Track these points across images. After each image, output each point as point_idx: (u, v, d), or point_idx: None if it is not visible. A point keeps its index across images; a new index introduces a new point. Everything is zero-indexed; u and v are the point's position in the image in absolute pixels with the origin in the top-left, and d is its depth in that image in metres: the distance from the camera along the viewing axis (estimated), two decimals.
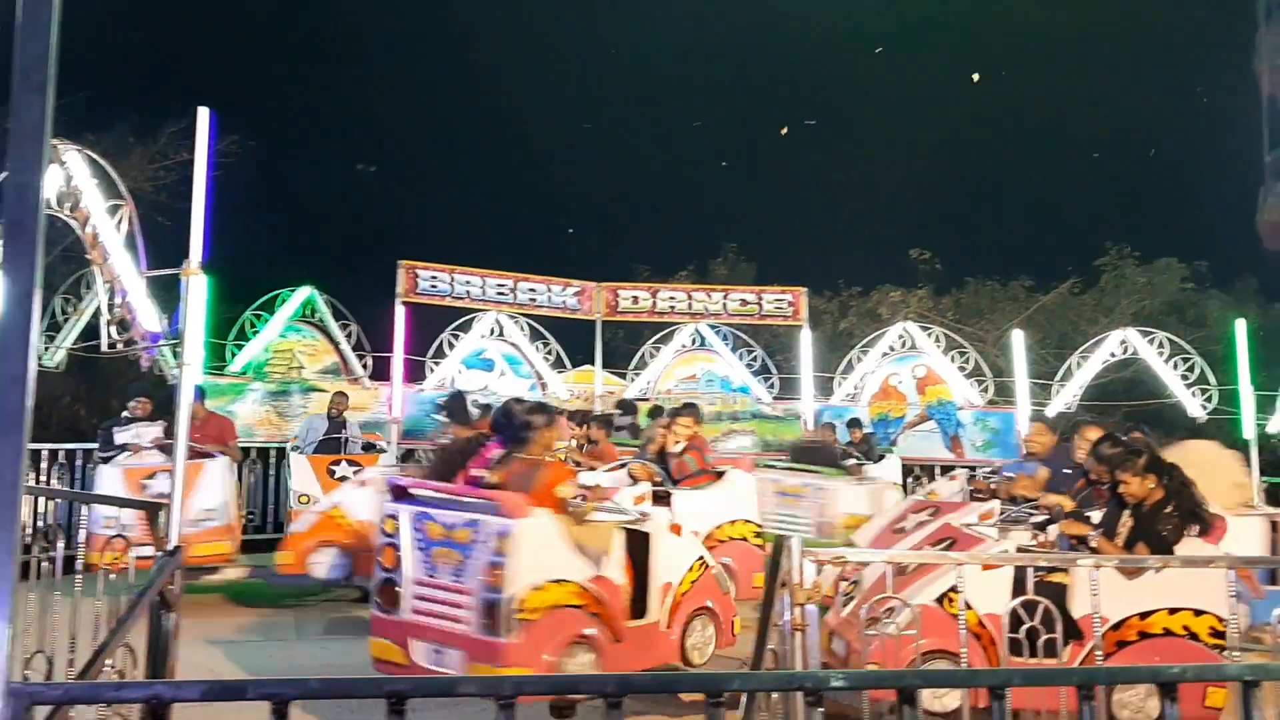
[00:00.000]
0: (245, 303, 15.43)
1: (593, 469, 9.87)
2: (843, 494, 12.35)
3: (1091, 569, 5.28)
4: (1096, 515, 7.12)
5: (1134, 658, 5.96)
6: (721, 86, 38.09)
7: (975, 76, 28.95)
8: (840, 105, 34.35)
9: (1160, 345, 16.86)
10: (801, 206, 31.75)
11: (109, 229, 7.61)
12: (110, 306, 7.47)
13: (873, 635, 5.62)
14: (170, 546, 5.79)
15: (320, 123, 35.09)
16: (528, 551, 6.13)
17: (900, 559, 6.56)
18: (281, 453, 13.84)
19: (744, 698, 4.92)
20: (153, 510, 6.33)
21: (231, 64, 31.96)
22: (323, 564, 9.88)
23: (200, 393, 11.15)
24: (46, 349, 12.07)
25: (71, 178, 8.03)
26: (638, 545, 6.96)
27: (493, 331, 16.38)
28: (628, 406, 14.21)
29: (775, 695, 5.05)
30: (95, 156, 8.01)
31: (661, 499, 9.02)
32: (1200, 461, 9.63)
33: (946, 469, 15.16)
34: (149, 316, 7.21)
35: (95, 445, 11.43)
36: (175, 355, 7.58)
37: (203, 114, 6.72)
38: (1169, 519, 6.47)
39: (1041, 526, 7.28)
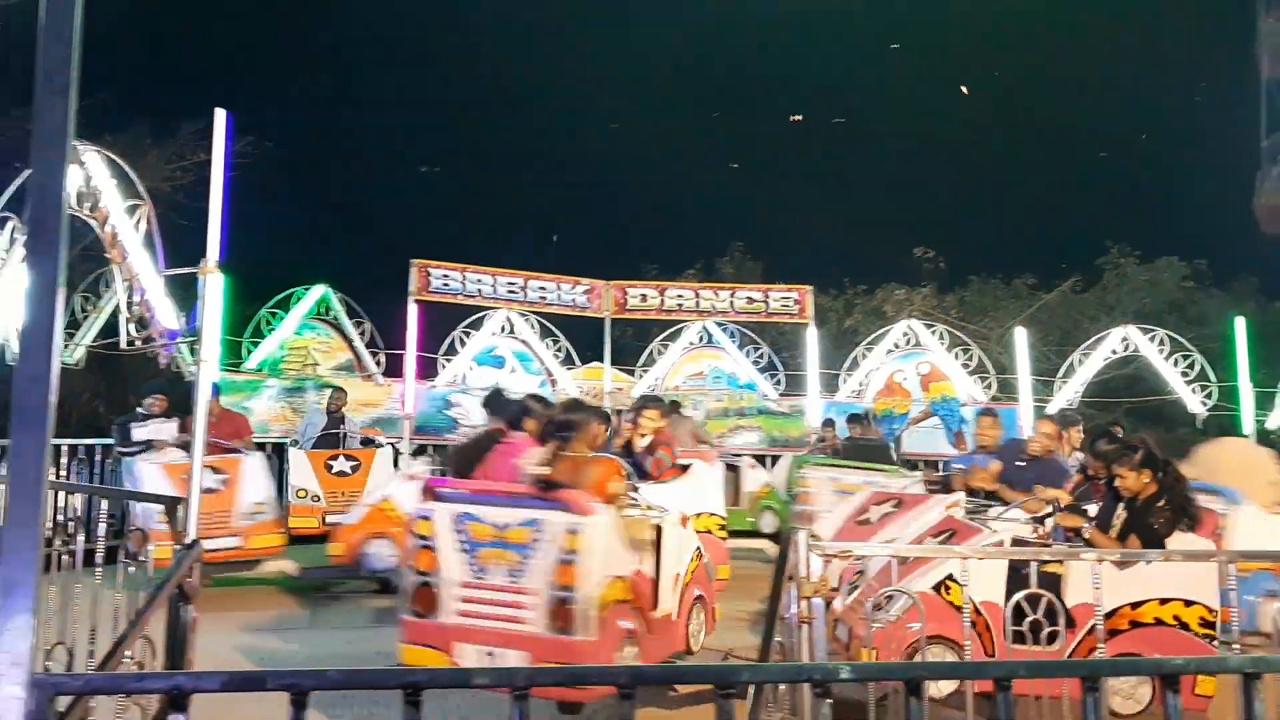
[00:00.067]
0: (261, 301, 15.49)
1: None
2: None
3: (1094, 563, 5.31)
4: (1094, 509, 7.17)
5: (1125, 646, 5.99)
6: (728, 86, 38.11)
7: (964, 89, 28.90)
8: (846, 105, 34.35)
9: (1161, 343, 16.83)
10: (807, 206, 31.66)
11: (128, 228, 7.63)
12: (129, 304, 7.50)
13: (874, 623, 5.69)
14: (188, 540, 5.80)
15: (334, 124, 35.16)
16: (599, 548, 6.04)
17: (906, 554, 6.61)
18: None
19: (751, 689, 4.91)
20: (171, 505, 6.34)
21: (246, 66, 32.00)
22: (373, 555, 9.93)
23: (215, 389, 11.19)
24: (66, 346, 12.10)
25: (91, 178, 8.05)
26: (655, 538, 6.97)
27: (503, 329, 16.40)
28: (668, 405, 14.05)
29: (783, 687, 5.06)
30: (114, 157, 8.03)
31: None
32: (1236, 459, 9.68)
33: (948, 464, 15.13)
34: (167, 314, 7.24)
35: (113, 440, 11.46)
36: (193, 352, 7.60)
37: (220, 115, 6.74)
38: (1161, 513, 6.56)
39: (1040, 520, 7.31)
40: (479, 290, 15.98)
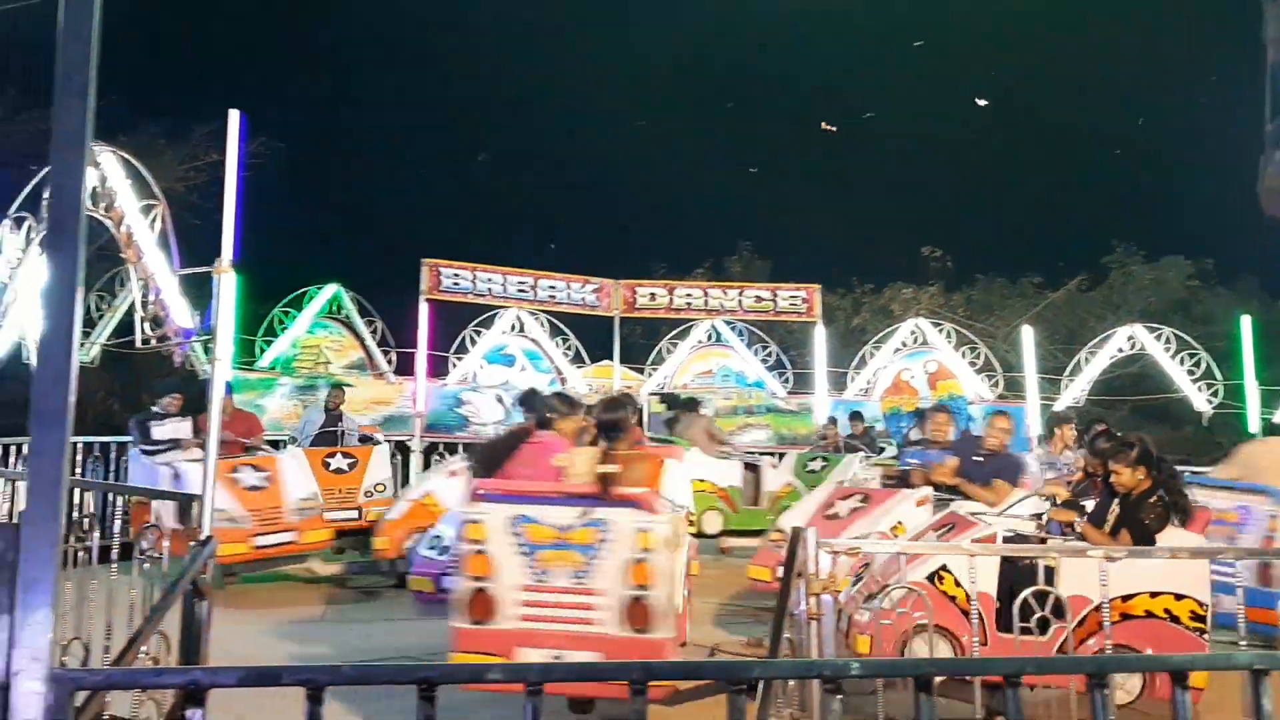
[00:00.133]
0: (274, 300, 15.51)
1: None
2: None
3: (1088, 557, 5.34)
4: (1091, 505, 7.35)
5: (1116, 637, 5.99)
6: (734, 87, 38.07)
7: (981, 101, 28.87)
8: (854, 106, 34.28)
9: (1167, 341, 16.81)
10: (815, 205, 31.64)
11: (143, 228, 7.65)
12: (144, 303, 7.52)
13: (867, 610, 5.89)
14: (203, 536, 5.82)
15: (346, 124, 35.21)
16: (670, 545, 6.02)
17: (914, 550, 6.66)
18: None
19: (761, 685, 4.91)
20: (186, 502, 6.36)
21: (258, 68, 32.04)
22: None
23: (228, 388, 11.24)
24: (82, 345, 12.12)
25: (106, 178, 8.07)
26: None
27: (514, 328, 16.41)
28: (675, 401, 13.98)
29: (792, 683, 5.07)
30: (129, 158, 8.05)
31: None
32: (1274, 457, 9.74)
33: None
34: (182, 313, 7.26)
35: (130, 438, 11.50)
36: (207, 351, 7.61)
37: (233, 116, 6.76)
38: (1153, 508, 6.68)
39: (1038, 515, 7.45)
40: (489, 289, 16.00)
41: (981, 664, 4.69)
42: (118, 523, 6.95)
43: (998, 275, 27.46)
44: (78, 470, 11.62)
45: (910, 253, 27.55)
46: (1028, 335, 16.74)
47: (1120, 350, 17.00)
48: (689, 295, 17.58)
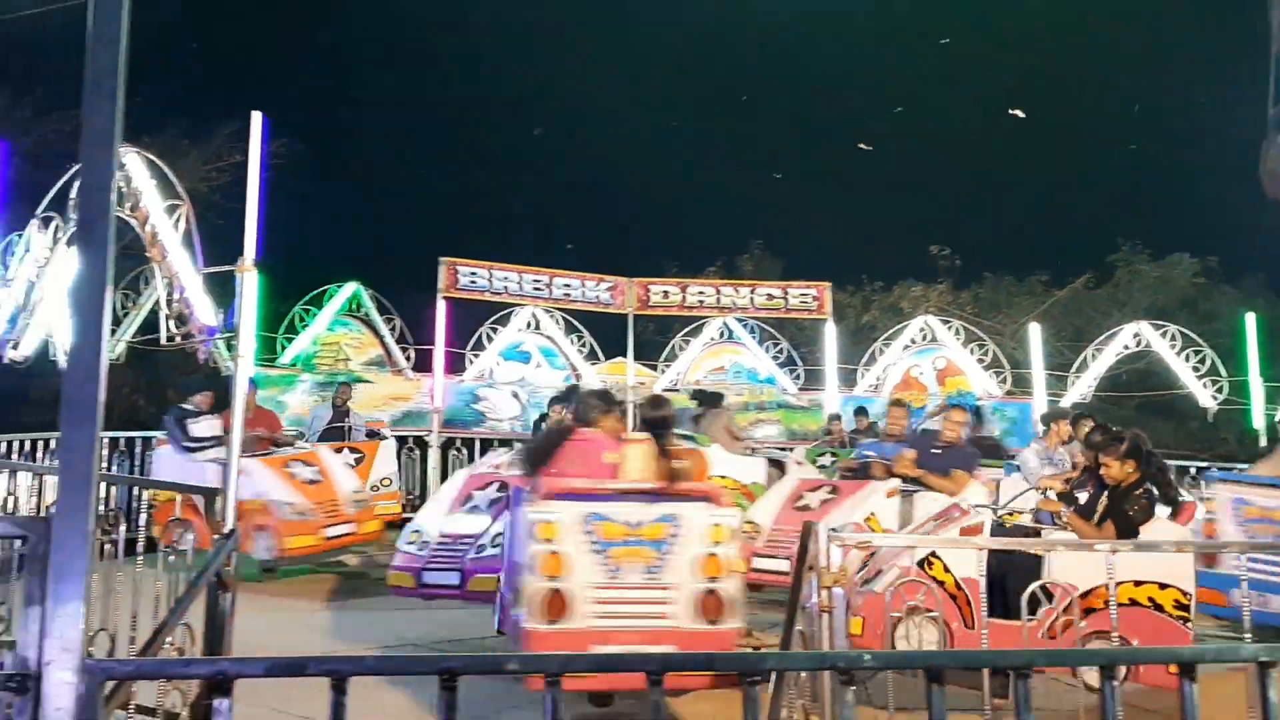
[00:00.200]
0: (295, 298, 15.56)
1: None
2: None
3: (1109, 553, 5.37)
4: (1085, 497, 7.48)
5: (1101, 624, 6.06)
6: (748, 91, 38.03)
7: (1018, 113, 28.78)
8: (863, 107, 34.22)
9: (1173, 338, 16.75)
10: (825, 204, 31.59)
11: (167, 228, 7.67)
12: (169, 301, 7.54)
13: (863, 594, 6.03)
14: (226, 530, 5.84)
15: (365, 126, 35.25)
16: (736, 538, 6.06)
17: (922, 544, 6.73)
18: None
19: (773, 676, 4.92)
20: (209, 495, 6.38)
21: (278, 70, 32.10)
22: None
23: (253, 384, 11.30)
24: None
25: (131, 179, 8.10)
26: None
27: (529, 325, 16.43)
28: (704, 397, 13.86)
29: (804, 674, 5.07)
30: (154, 158, 8.07)
31: None
32: None
33: None
34: (206, 311, 7.28)
35: (157, 433, 11.56)
36: (230, 348, 7.64)
37: (256, 118, 6.78)
38: (1138, 500, 6.80)
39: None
40: (505, 287, 16.01)
41: (994, 656, 4.69)
42: (143, 516, 6.99)
43: (1005, 274, 27.43)
44: (103, 465, 11.69)
45: (919, 251, 27.48)
46: (1035, 332, 16.72)
47: (1126, 347, 16.94)
48: (701, 293, 17.56)
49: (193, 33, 26.54)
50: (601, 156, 32.30)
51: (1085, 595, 6.08)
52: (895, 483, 8.97)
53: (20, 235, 9.23)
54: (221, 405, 10.83)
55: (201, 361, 10.24)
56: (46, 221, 9.52)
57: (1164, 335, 16.81)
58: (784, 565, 8.35)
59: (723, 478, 12.37)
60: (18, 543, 7.70)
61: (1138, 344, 16.91)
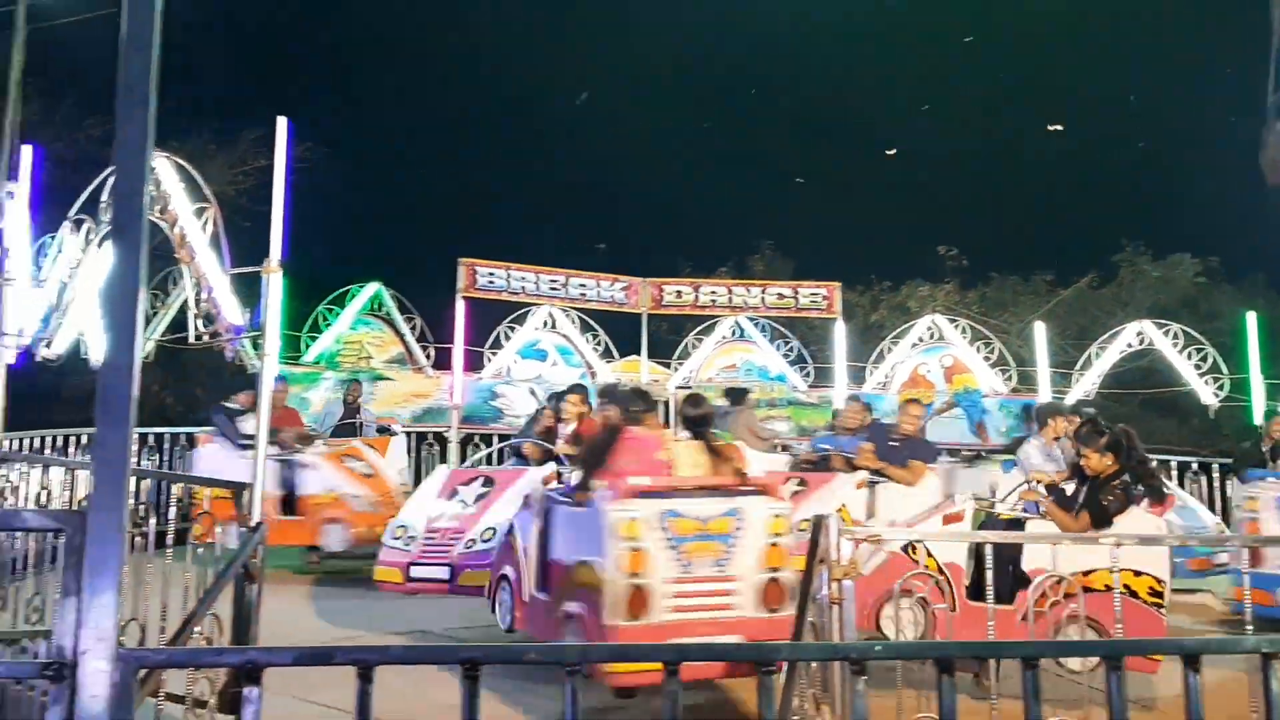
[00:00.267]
0: (318, 298, 15.61)
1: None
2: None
3: (1113, 547, 5.38)
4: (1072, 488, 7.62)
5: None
6: (755, 92, 37.98)
7: (1058, 127, 28.77)
8: (872, 108, 34.16)
9: (1175, 337, 16.69)
10: (835, 206, 31.51)
11: (195, 230, 7.67)
12: (197, 301, 7.55)
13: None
14: (253, 523, 5.87)
15: (386, 131, 35.25)
16: (792, 529, 6.13)
17: (931, 538, 6.76)
18: None
19: (785, 666, 4.92)
20: (237, 490, 6.41)
21: (301, 75, 32.20)
22: None
23: (285, 380, 11.42)
24: None
25: (160, 182, 8.12)
26: None
27: (546, 324, 16.43)
28: (734, 394, 13.76)
29: (815, 664, 5.08)
30: (182, 162, 8.08)
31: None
32: None
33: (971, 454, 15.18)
34: (232, 310, 7.28)
35: (185, 429, 11.65)
36: (256, 346, 7.65)
37: (281, 123, 6.80)
38: (1112, 490, 6.95)
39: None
40: (523, 287, 16.03)
41: (1001, 647, 4.69)
42: (172, 510, 7.01)
43: (1011, 273, 27.36)
44: (133, 460, 11.76)
45: (927, 252, 27.43)
46: (1040, 331, 16.68)
47: (1129, 345, 16.89)
48: (714, 293, 17.56)
49: (217, 39, 26.61)
50: (616, 159, 32.26)
51: (1062, 581, 6.12)
52: (863, 474, 8.99)
53: (53, 237, 9.25)
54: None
55: (228, 360, 10.29)
56: (78, 224, 9.54)
57: (1166, 334, 16.76)
58: None
59: None
60: (50, 535, 7.74)
61: (1141, 342, 16.85)
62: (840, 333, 17.18)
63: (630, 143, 32.61)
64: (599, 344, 16.87)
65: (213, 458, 10.89)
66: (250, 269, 6.97)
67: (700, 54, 35.43)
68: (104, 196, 8.46)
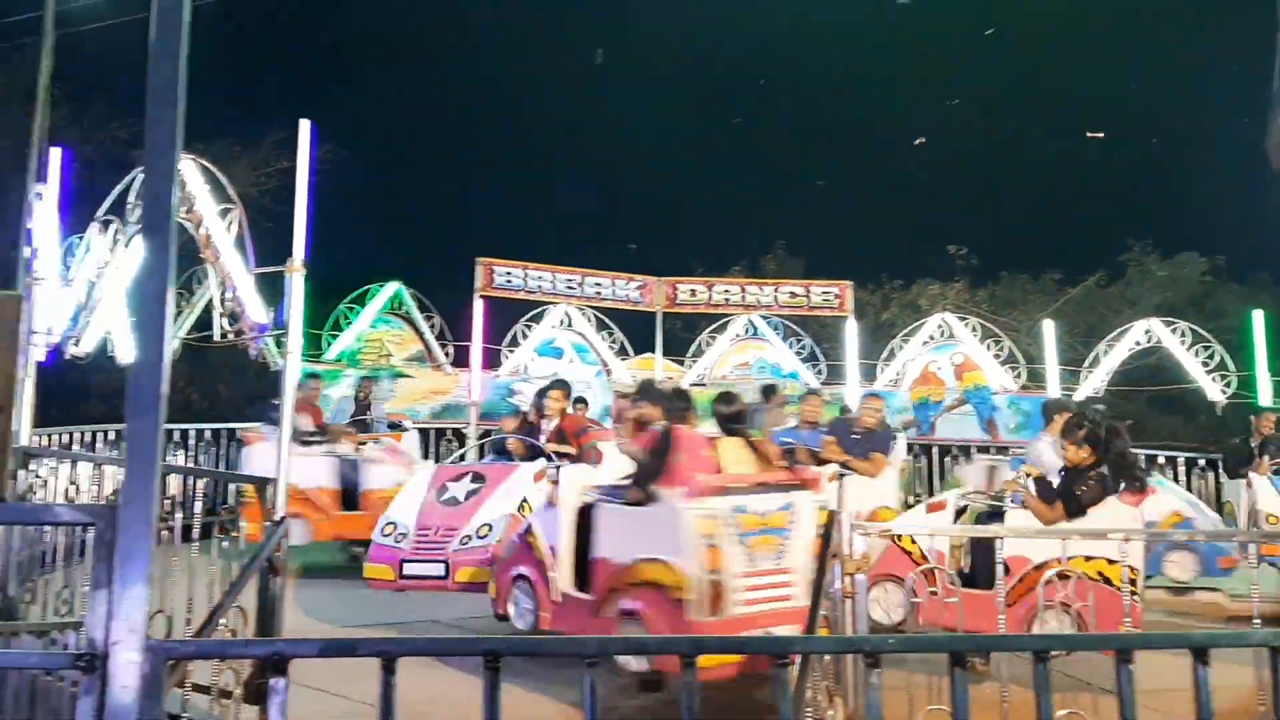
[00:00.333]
0: (339, 297, 15.66)
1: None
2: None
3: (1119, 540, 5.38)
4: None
5: (1052, 595, 6.13)
6: (765, 90, 37.93)
7: (1098, 135, 28.70)
8: (884, 109, 34.08)
9: (1182, 334, 16.63)
10: (846, 206, 31.48)
11: (220, 230, 7.71)
12: (222, 300, 7.59)
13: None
14: (277, 517, 5.89)
15: (407, 134, 35.33)
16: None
17: (940, 533, 6.80)
18: None
19: (798, 659, 4.93)
20: (260, 485, 6.44)
21: (323, 77, 32.27)
22: None
23: (318, 378, 11.51)
24: None
25: (186, 184, 8.16)
26: None
27: (562, 322, 16.44)
28: (768, 391, 13.72)
29: (827, 657, 5.08)
30: (207, 164, 8.12)
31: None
32: None
33: (982, 449, 15.18)
34: (256, 309, 7.32)
35: (213, 426, 11.73)
36: (279, 344, 7.69)
37: (304, 125, 6.83)
38: (1086, 480, 7.03)
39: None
40: (539, 286, 16.06)
41: (1009, 640, 4.68)
42: (198, 504, 7.05)
43: (1020, 272, 27.32)
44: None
45: (937, 251, 27.38)
46: (1049, 329, 16.63)
47: (1137, 343, 16.82)
48: (727, 292, 17.57)
49: (241, 43, 26.68)
50: (631, 161, 32.28)
51: (1039, 568, 6.27)
52: (834, 468, 9.02)
53: (81, 238, 9.31)
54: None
55: (252, 358, 10.34)
56: (106, 224, 9.60)
57: (1174, 332, 16.69)
58: None
59: None
60: (78, 530, 7.77)
61: (1149, 340, 16.78)
62: (852, 331, 17.16)
63: (647, 144, 32.64)
64: (614, 342, 16.88)
65: (264, 456, 10.89)
66: (273, 269, 7.01)
67: (723, 58, 35.47)
68: (131, 197, 8.51)
